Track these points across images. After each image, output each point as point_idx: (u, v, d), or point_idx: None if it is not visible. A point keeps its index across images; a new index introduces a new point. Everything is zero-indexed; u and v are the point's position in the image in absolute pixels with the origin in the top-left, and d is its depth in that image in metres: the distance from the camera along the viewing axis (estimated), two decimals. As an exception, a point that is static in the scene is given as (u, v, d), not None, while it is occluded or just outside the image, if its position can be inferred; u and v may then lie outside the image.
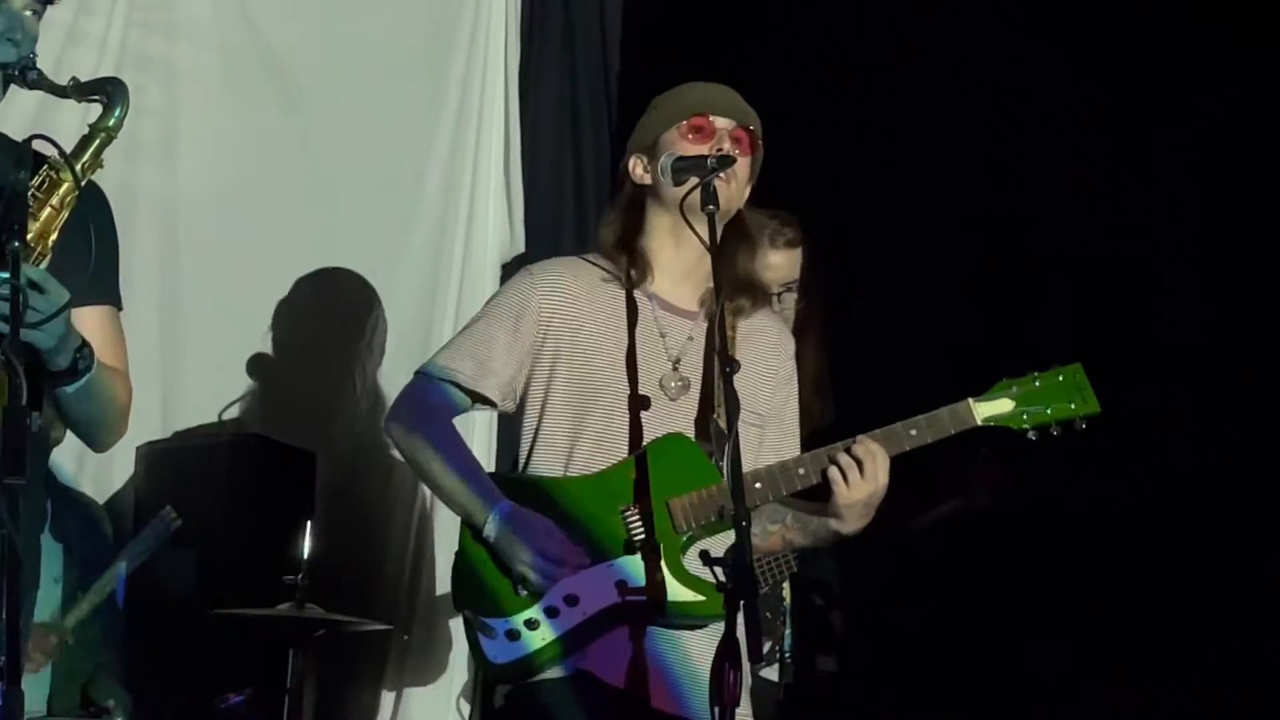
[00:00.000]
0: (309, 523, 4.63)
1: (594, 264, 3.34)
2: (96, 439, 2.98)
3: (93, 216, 2.86)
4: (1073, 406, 3.20)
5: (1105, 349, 4.77)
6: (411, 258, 5.52)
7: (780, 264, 4.35)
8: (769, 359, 3.34)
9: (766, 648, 4.21)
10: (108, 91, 2.89)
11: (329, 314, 5.25)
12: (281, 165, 5.32)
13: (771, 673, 4.26)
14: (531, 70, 5.79)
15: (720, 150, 3.21)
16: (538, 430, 3.26)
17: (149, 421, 5.03)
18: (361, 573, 5.30)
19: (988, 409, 3.20)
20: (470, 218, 5.66)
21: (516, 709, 3.19)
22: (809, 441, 3.37)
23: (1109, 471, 4.70)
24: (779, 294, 4.32)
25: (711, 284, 3.25)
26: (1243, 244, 4.74)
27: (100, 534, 4.76)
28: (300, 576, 4.44)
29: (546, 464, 3.24)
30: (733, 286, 3.27)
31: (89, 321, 2.83)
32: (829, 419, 4.11)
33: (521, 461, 3.31)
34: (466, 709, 5.21)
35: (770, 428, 3.31)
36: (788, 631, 4.29)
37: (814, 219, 4.44)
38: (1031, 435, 3.21)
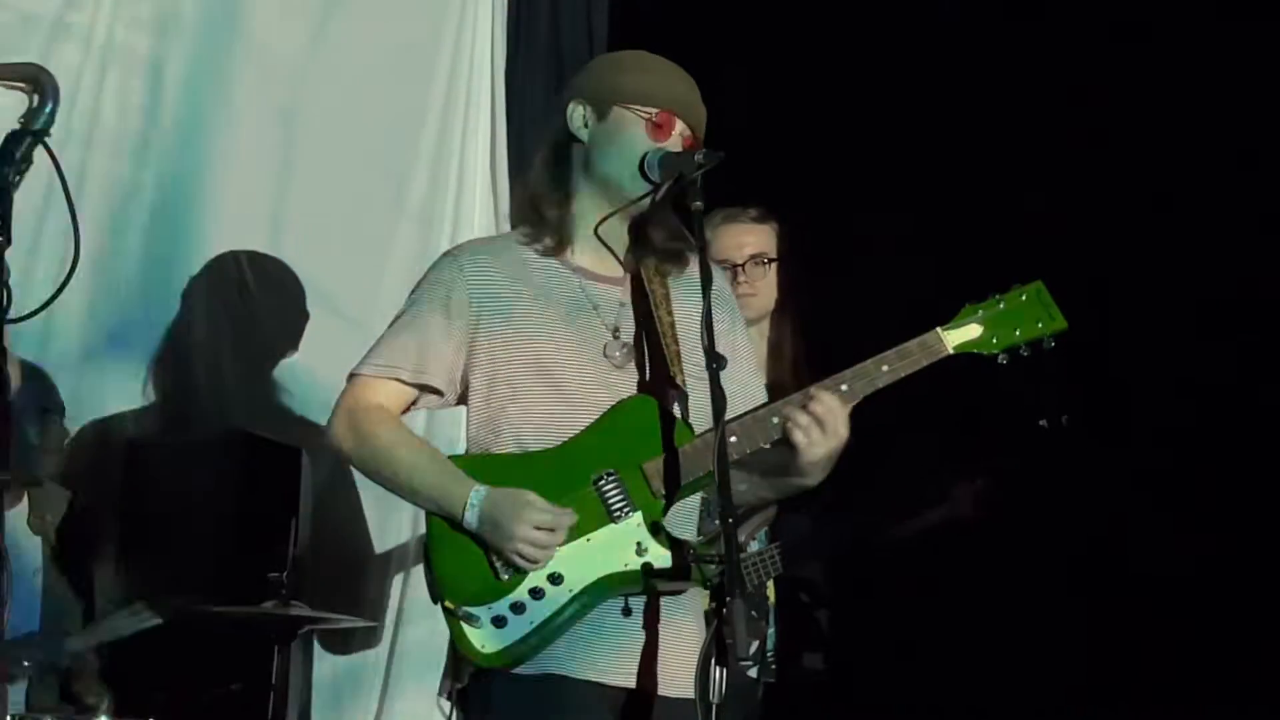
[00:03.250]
0: (294, 520, 4.62)
1: (512, 240, 3.28)
2: None
3: None
4: (1040, 326, 3.18)
5: (1099, 346, 4.81)
6: (398, 253, 5.49)
7: (748, 239, 4.36)
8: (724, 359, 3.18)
9: (753, 647, 4.20)
10: (39, 84, 2.66)
11: (315, 310, 5.23)
12: (268, 161, 5.30)
13: (752, 671, 4.25)
14: (517, 72, 5.78)
15: (665, 150, 3.16)
16: (486, 418, 3.18)
17: (136, 417, 5.03)
18: (347, 570, 5.28)
19: (957, 336, 3.16)
20: (456, 214, 5.65)
21: (500, 707, 3.09)
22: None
23: (1091, 479, 4.72)
24: (742, 265, 4.33)
25: (632, 245, 3.24)
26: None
27: (79, 528, 4.75)
28: (285, 574, 4.43)
29: (501, 449, 3.16)
30: (654, 255, 3.24)
31: None
32: None
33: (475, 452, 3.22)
34: (446, 706, 5.18)
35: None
36: (771, 631, 4.29)
37: (791, 207, 4.44)
38: (1002, 359, 3.18)
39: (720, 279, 3.30)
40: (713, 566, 2.93)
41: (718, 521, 2.87)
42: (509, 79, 5.76)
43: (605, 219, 3.22)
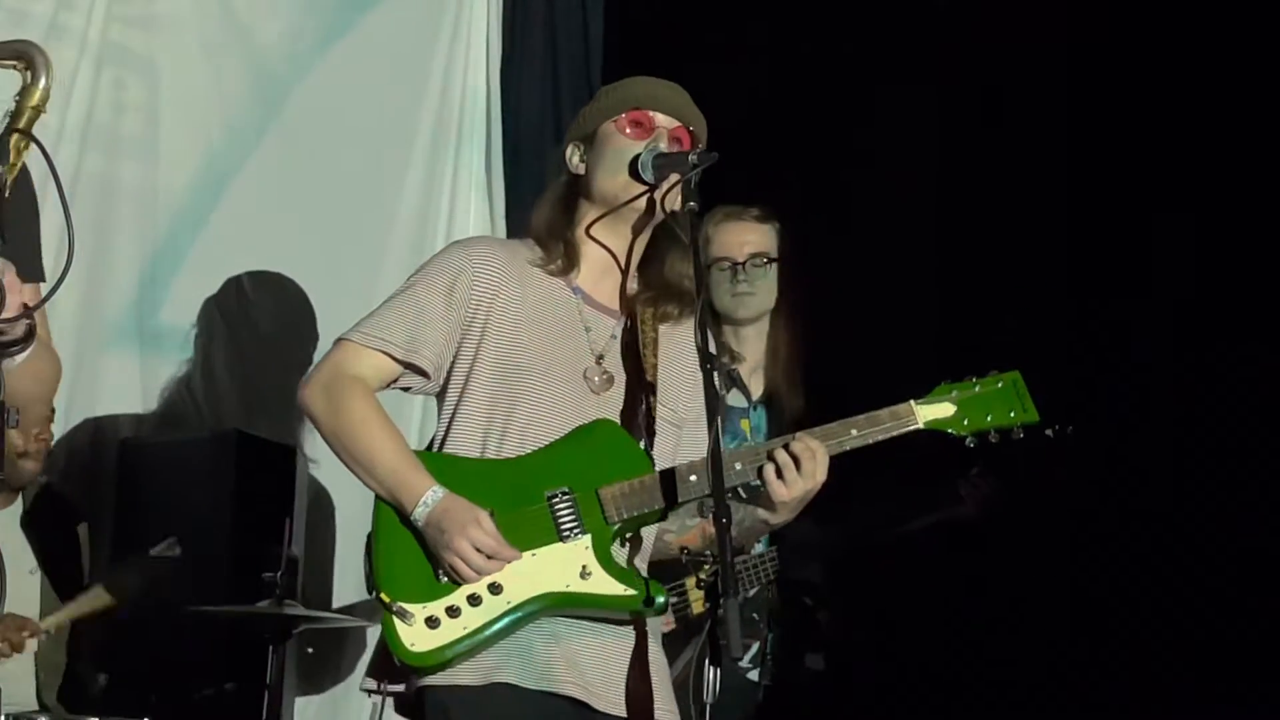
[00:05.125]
0: (289, 519, 4.62)
1: (524, 249, 3.27)
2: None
3: (21, 192, 2.74)
4: (1012, 415, 3.18)
5: (1088, 348, 4.81)
6: (392, 254, 5.50)
7: (749, 238, 4.34)
8: (689, 361, 3.18)
9: (753, 649, 4.20)
10: (29, 60, 2.60)
11: (309, 309, 5.23)
12: (262, 160, 5.31)
13: (753, 674, 4.25)
14: (513, 67, 5.78)
15: (657, 147, 3.16)
16: (455, 412, 3.15)
17: (130, 417, 5.03)
18: (341, 569, 5.28)
19: (929, 412, 3.16)
20: (451, 215, 5.66)
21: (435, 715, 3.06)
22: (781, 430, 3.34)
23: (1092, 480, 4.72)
24: (742, 263, 4.31)
25: (637, 284, 3.24)
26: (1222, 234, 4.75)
27: (74, 527, 4.75)
28: (280, 573, 4.43)
29: (463, 447, 3.13)
30: (662, 291, 3.23)
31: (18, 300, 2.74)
32: (799, 407, 4.11)
33: (437, 446, 3.19)
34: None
35: (688, 429, 3.22)
36: (770, 634, 4.28)
37: (789, 211, 4.44)
38: (970, 442, 3.18)
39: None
40: (706, 567, 2.92)
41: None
42: (504, 80, 5.76)
43: (600, 218, 3.22)
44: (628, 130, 3.21)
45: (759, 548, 4.21)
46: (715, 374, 2.94)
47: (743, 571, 4.14)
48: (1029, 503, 4.45)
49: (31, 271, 2.83)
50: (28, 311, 2.53)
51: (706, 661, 2.81)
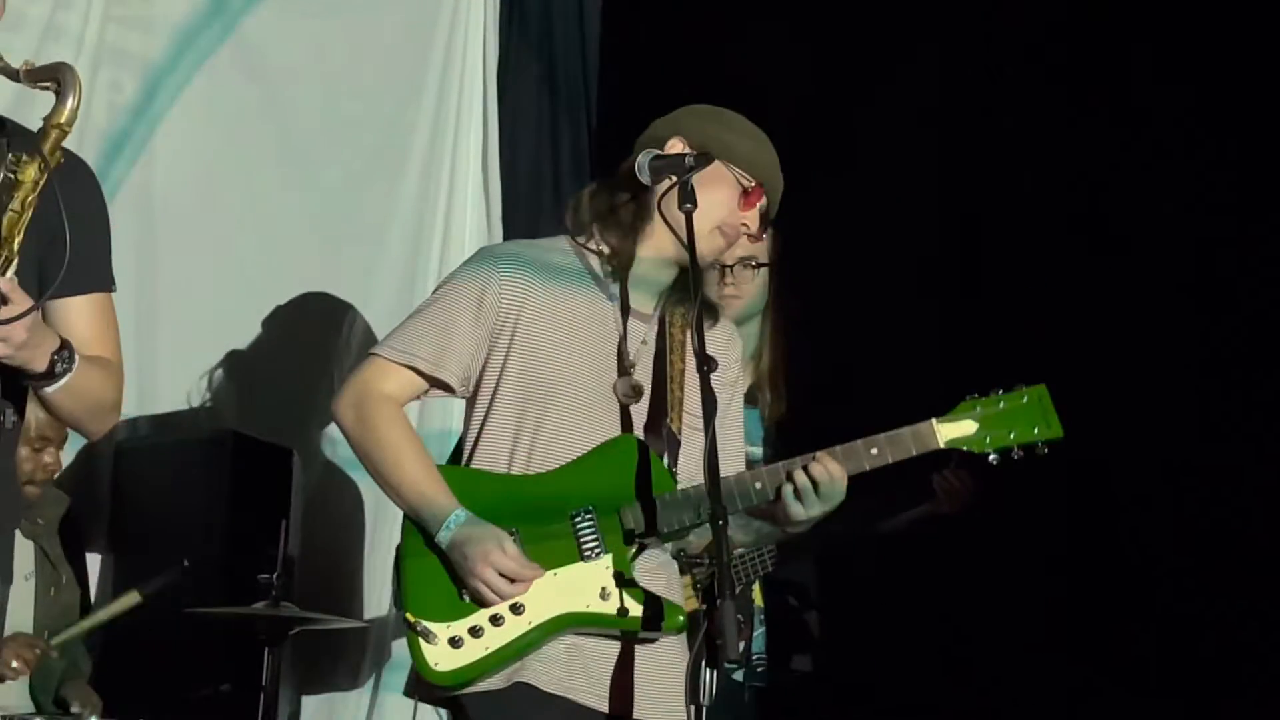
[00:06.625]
0: (285, 520, 4.62)
1: (556, 253, 3.28)
2: (84, 431, 2.93)
3: (79, 200, 2.76)
4: (1035, 431, 3.17)
5: (1082, 349, 4.81)
6: (389, 254, 5.51)
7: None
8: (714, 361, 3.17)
9: (740, 648, 4.20)
10: (60, 80, 2.67)
11: (306, 310, 5.23)
12: (259, 161, 5.30)
13: (737, 674, 4.24)
14: (509, 68, 5.78)
15: (745, 226, 3.20)
16: (484, 423, 3.19)
17: (125, 419, 5.02)
18: (338, 571, 5.28)
19: (951, 430, 3.16)
20: (448, 215, 5.65)
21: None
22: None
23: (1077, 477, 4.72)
24: (730, 266, 4.31)
25: (671, 289, 3.26)
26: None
27: (72, 528, 4.75)
28: (276, 575, 4.43)
29: (489, 460, 3.17)
30: (685, 307, 3.25)
31: (77, 311, 2.76)
32: (779, 412, 4.11)
33: (465, 455, 3.24)
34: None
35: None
36: (757, 633, 4.28)
37: (787, 204, 4.44)
38: (993, 458, 3.18)
39: (733, 335, 3.33)
40: (702, 570, 2.94)
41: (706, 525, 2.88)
42: (501, 76, 5.76)
43: (651, 241, 3.22)
44: (741, 195, 3.21)
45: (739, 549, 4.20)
46: (710, 377, 2.95)
47: (735, 570, 4.13)
48: (1012, 500, 4.44)
49: (101, 280, 2.83)
50: (26, 313, 2.53)
51: (703, 664, 2.82)
